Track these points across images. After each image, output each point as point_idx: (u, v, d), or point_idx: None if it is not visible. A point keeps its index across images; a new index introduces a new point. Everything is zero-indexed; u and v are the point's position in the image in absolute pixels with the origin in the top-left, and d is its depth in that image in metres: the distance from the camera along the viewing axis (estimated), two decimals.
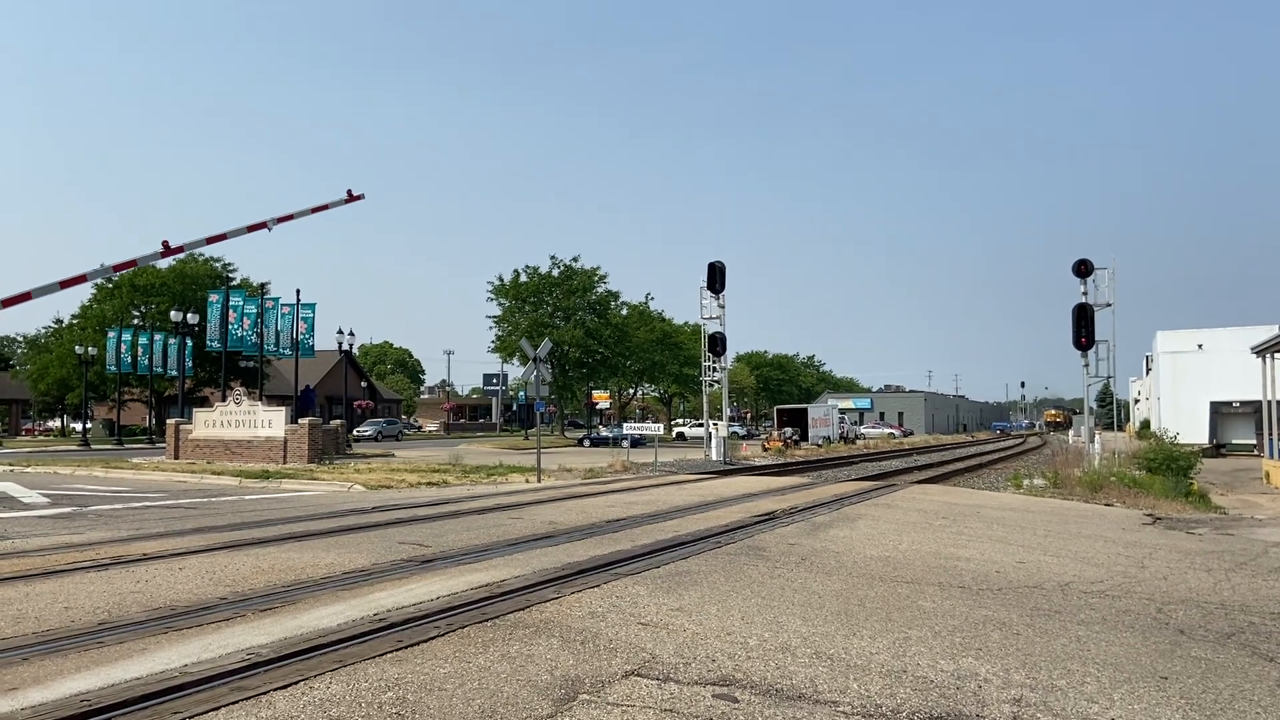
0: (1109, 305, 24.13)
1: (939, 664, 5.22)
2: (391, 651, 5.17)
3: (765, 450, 44.62)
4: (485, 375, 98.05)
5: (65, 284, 13.03)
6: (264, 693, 4.38)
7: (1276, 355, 25.66)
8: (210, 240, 28.92)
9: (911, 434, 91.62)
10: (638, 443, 39.29)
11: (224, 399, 33.01)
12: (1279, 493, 21.88)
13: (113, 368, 53.07)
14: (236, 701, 4.25)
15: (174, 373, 51.04)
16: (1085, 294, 24.05)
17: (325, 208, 36.10)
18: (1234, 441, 49.81)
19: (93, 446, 46.43)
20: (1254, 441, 44.61)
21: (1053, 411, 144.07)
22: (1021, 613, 6.72)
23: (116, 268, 36.08)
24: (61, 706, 4.12)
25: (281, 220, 29.72)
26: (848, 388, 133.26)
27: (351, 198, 15.74)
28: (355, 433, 53.53)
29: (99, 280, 62.04)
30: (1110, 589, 7.83)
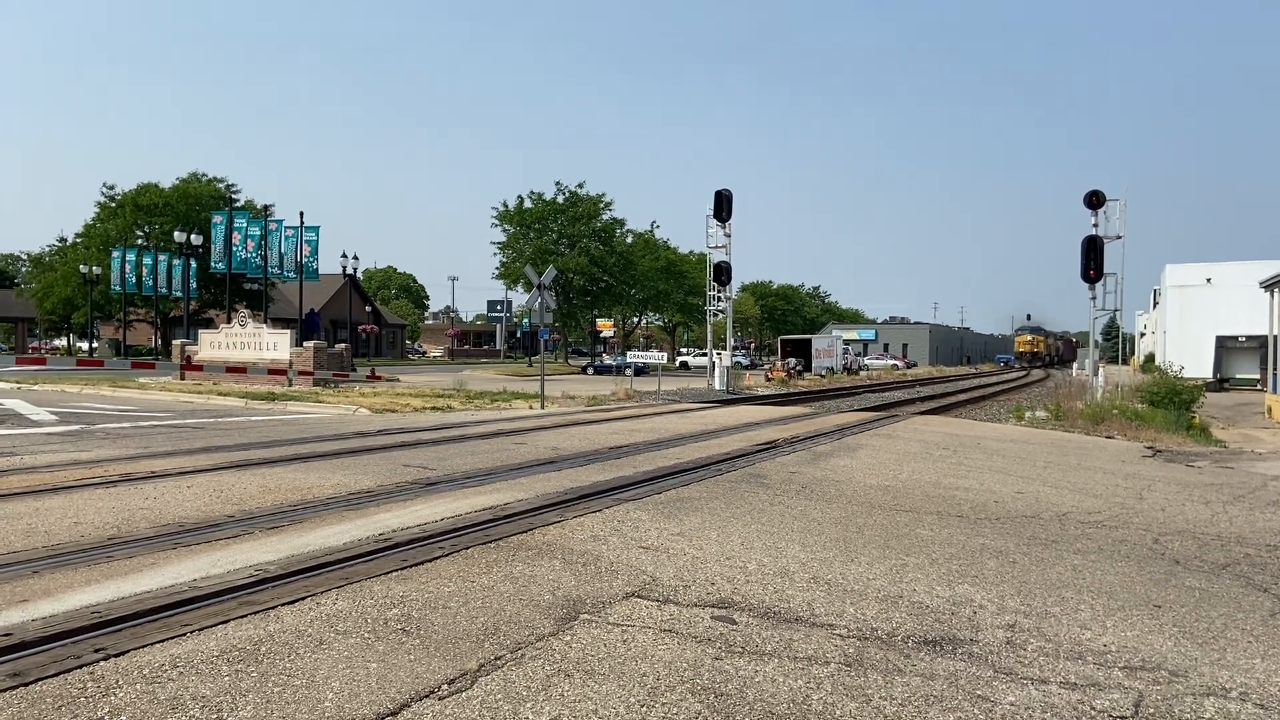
0: (1119, 238, 23.87)
1: (935, 590, 5.29)
2: (397, 570, 5.25)
3: (768, 380, 44.70)
4: (489, 301, 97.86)
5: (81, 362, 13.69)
6: (272, 607, 4.46)
7: None
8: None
9: (915, 366, 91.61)
10: (641, 371, 39.46)
11: (229, 321, 33.10)
12: None
13: (117, 288, 53.08)
14: (245, 615, 4.32)
15: (178, 294, 51.08)
16: (1096, 226, 23.79)
17: None
18: (1238, 376, 49.77)
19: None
20: (1258, 376, 44.59)
21: (1027, 337, 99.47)
22: (1019, 542, 6.79)
23: None
24: (72, 618, 4.19)
25: None
26: (852, 319, 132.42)
27: None
28: None
29: (101, 198, 61.66)
30: (1107, 520, 7.90)
